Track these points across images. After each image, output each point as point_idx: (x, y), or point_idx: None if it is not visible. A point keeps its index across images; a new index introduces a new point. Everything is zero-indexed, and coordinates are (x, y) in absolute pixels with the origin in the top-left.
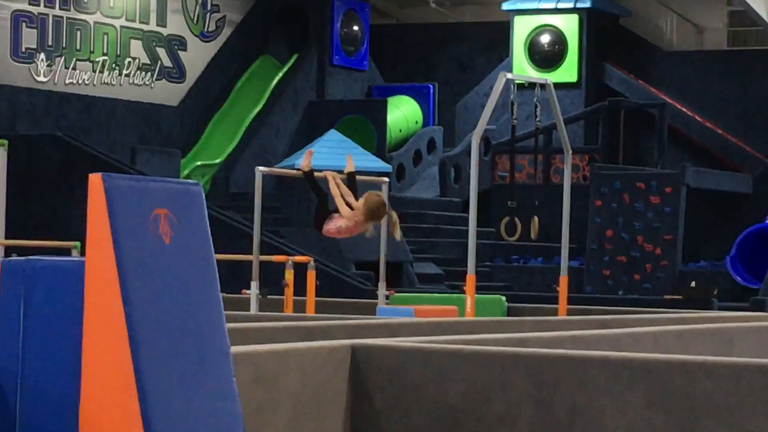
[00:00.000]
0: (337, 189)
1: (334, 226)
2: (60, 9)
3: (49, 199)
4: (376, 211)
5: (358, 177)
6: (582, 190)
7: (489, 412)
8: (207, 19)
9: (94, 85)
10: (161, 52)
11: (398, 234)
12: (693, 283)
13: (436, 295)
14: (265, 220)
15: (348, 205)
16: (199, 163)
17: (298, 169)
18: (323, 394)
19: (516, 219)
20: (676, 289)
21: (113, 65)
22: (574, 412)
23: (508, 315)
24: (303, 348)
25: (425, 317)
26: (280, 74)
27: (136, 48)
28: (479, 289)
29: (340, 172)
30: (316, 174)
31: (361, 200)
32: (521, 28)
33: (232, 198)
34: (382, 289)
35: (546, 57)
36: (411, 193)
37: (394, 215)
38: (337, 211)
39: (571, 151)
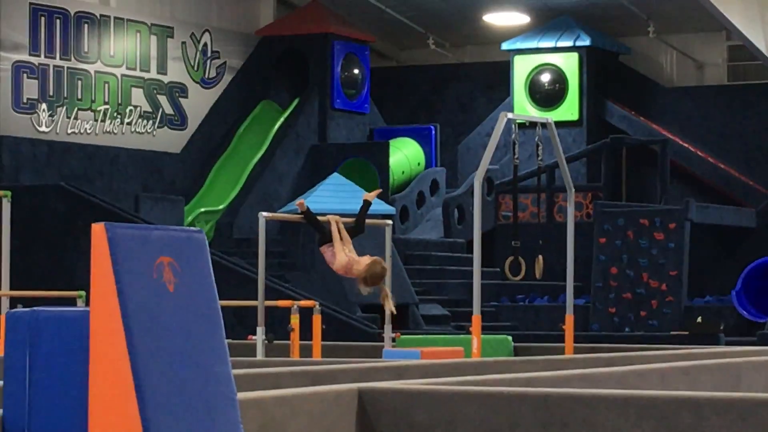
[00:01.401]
0: (337, 234)
1: (330, 254)
2: (61, 59)
3: (54, 249)
4: (374, 279)
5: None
6: (586, 227)
7: None
8: (207, 66)
9: (96, 134)
10: (162, 100)
11: (389, 306)
12: (699, 319)
13: (443, 336)
14: (270, 264)
15: (347, 251)
16: (202, 209)
17: (299, 213)
18: None
19: (520, 258)
20: (683, 325)
21: (115, 114)
22: None
23: (515, 355)
24: (310, 393)
25: (432, 359)
26: (282, 119)
27: (138, 96)
28: (485, 330)
29: (343, 215)
30: (320, 218)
31: (367, 261)
32: (521, 68)
33: (236, 244)
34: (388, 332)
35: (547, 96)
36: (415, 234)
37: (387, 290)
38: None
39: (573, 190)
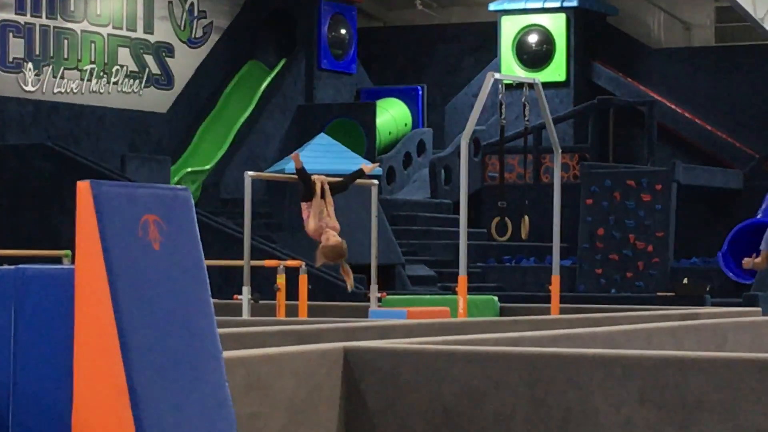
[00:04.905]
0: (319, 196)
1: (306, 213)
2: (47, 18)
3: (40, 209)
4: (330, 258)
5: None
6: (572, 189)
7: (483, 412)
8: (194, 26)
9: (82, 93)
10: (149, 60)
11: (349, 284)
12: (685, 280)
13: (429, 296)
14: (256, 225)
15: (324, 214)
16: (189, 169)
17: (290, 174)
18: (317, 398)
19: (507, 219)
20: (669, 286)
21: (101, 73)
22: (569, 410)
23: (501, 315)
24: (296, 352)
25: (418, 319)
26: (269, 79)
27: (124, 56)
28: (472, 290)
29: (329, 175)
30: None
31: (334, 240)
32: (509, 29)
33: (222, 204)
34: (374, 292)
35: (534, 57)
36: (401, 195)
37: (347, 266)
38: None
39: (560, 151)
